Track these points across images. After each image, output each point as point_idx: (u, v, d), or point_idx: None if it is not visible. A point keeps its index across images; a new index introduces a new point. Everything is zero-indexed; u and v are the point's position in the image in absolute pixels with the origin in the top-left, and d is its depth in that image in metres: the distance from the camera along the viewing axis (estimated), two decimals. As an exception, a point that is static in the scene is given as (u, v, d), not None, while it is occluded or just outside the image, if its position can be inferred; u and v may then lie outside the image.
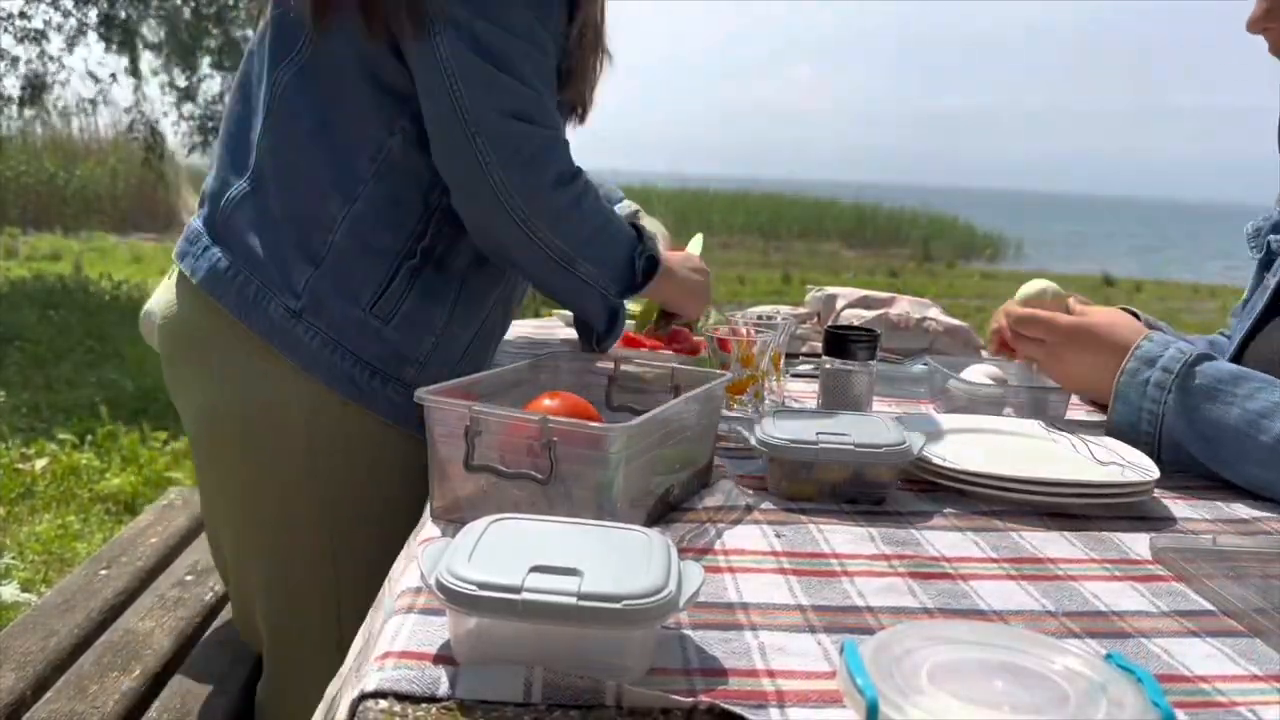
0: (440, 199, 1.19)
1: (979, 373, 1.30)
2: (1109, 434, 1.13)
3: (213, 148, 1.28)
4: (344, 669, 0.74)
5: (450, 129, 1.12)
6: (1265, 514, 0.98)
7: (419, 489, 1.21)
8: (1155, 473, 0.99)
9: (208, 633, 1.57)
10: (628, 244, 1.27)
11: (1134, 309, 1.33)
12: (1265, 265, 1.28)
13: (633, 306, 1.85)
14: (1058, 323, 1.19)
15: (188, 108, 9.03)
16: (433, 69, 1.11)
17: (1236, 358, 1.24)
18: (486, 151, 1.12)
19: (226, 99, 1.31)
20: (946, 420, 1.18)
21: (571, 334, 1.77)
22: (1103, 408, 1.22)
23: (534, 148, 1.14)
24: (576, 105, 1.33)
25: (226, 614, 1.62)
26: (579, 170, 1.20)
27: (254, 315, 1.17)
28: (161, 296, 1.35)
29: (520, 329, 1.82)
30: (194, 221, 1.26)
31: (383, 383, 1.20)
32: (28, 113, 8.97)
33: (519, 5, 1.14)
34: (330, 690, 0.72)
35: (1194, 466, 1.07)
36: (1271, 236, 1.28)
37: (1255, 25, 1.17)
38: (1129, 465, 1.01)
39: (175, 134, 9.31)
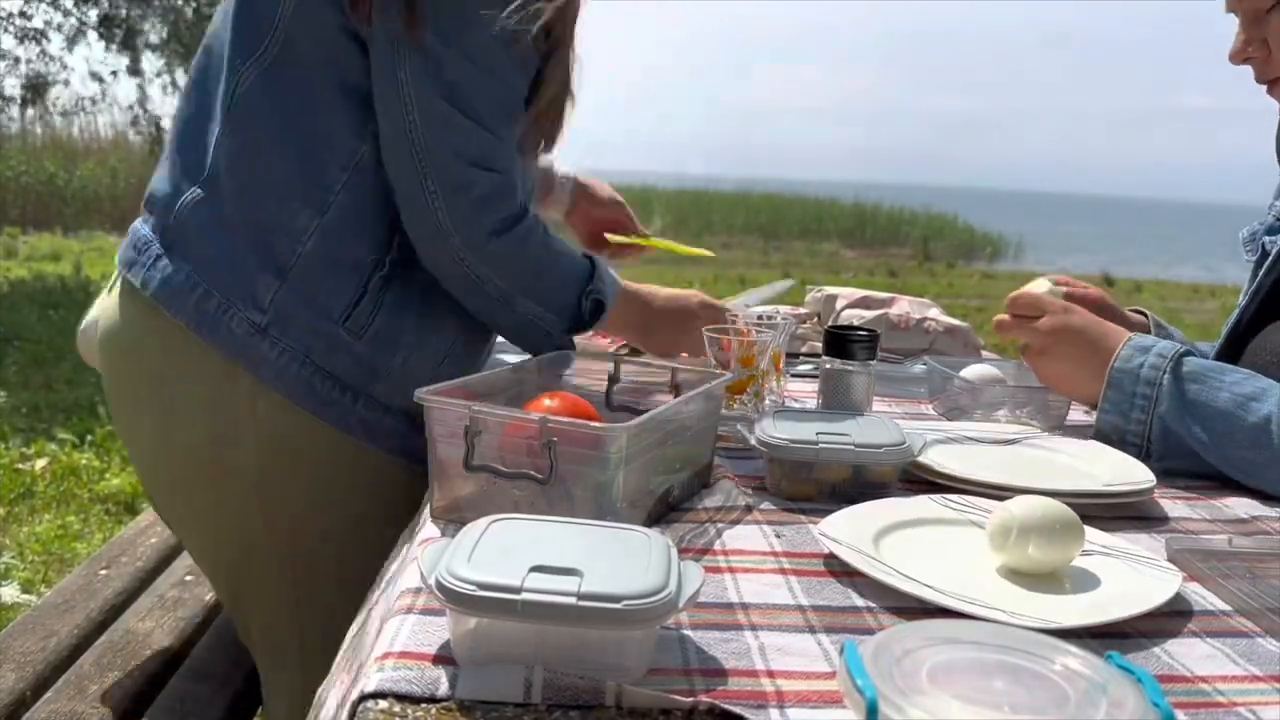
0: None
1: (978, 373, 1.30)
2: (1098, 424, 1.14)
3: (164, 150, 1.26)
4: (333, 671, 0.74)
5: (402, 157, 1.10)
6: (1265, 513, 0.99)
7: (386, 505, 1.17)
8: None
9: (208, 633, 1.57)
10: (575, 285, 1.20)
11: (1144, 310, 1.34)
12: (1260, 267, 1.29)
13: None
14: (1049, 304, 1.19)
15: None
16: (391, 88, 1.09)
17: (1234, 359, 1.24)
18: (434, 189, 1.10)
19: (177, 101, 1.24)
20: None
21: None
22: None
23: (481, 193, 1.11)
24: (541, 138, 1.26)
25: (227, 613, 1.62)
26: (525, 212, 1.16)
27: (215, 331, 1.11)
28: (102, 309, 1.27)
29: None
30: (140, 227, 1.19)
31: (353, 398, 1.15)
32: (29, 113, 8.97)
33: (488, 37, 1.09)
34: (320, 692, 0.72)
35: (1182, 457, 1.08)
36: (1267, 238, 1.28)
37: (1238, 56, 1.19)
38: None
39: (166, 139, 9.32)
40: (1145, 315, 1.35)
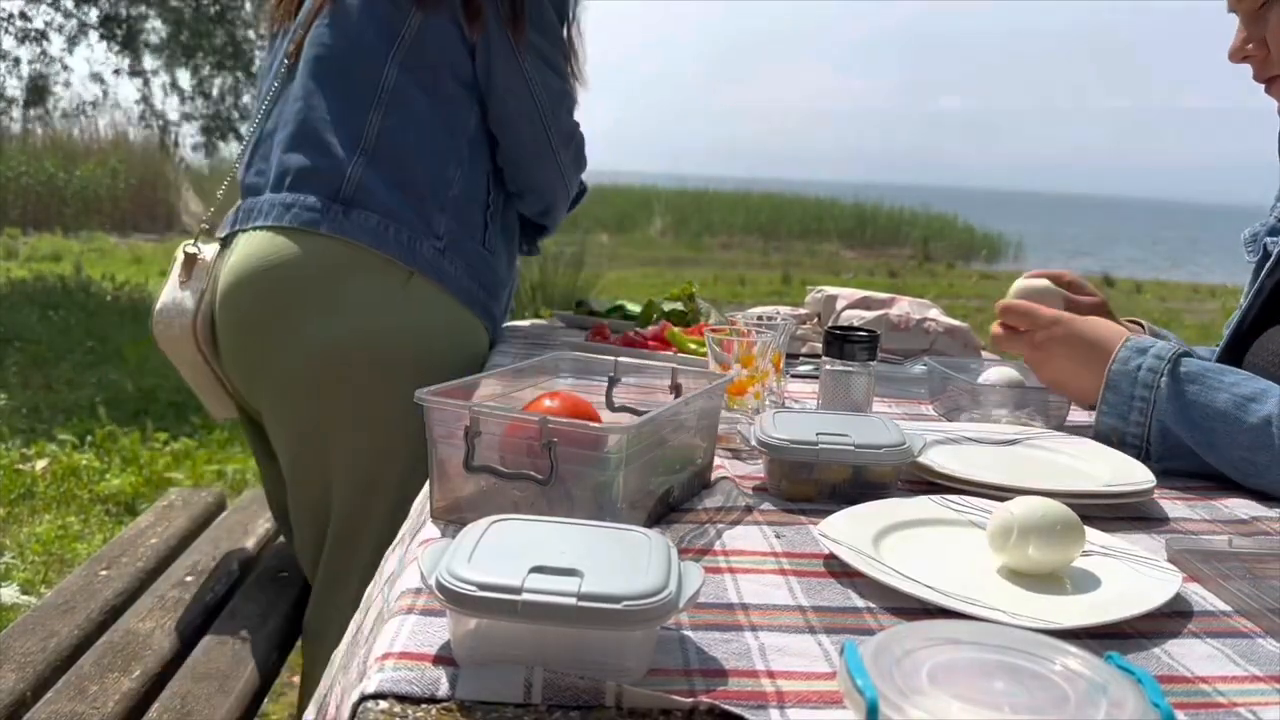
0: (491, 163, 1.59)
1: (998, 375, 1.29)
2: (1098, 426, 1.14)
3: (277, 137, 1.54)
4: (331, 669, 0.74)
5: (532, 122, 1.57)
6: (1265, 513, 0.99)
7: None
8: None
9: (208, 633, 1.57)
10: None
11: (1140, 321, 1.34)
12: (1261, 268, 1.29)
13: (633, 306, 1.85)
14: (1042, 315, 1.20)
15: (194, 105, 9.03)
16: (518, 76, 1.53)
17: (1236, 361, 1.24)
18: (556, 140, 1.60)
19: (296, 99, 1.53)
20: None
21: (571, 334, 1.77)
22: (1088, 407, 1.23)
23: (579, 134, 1.66)
24: None
25: (228, 614, 1.62)
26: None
27: (414, 257, 1.46)
28: (181, 287, 1.53)
29: (520, 328, 1.82)
30: (302, 198, 1.46)
31: (494, 301, 1.59)
32: (31, 113, 8.98)
33: (557, 24, 1.56)
34: (320, 690, 0.72)
35: (1181, 458, 1.09)
36: (1269, 239, 1.28)
37: (1236, 55, 1.19)
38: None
39: (176, 133, 9.32)
40: (1142, 326, 1.35)
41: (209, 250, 1.55)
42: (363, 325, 1.45)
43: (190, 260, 1.53)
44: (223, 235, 1.56)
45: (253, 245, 1.48)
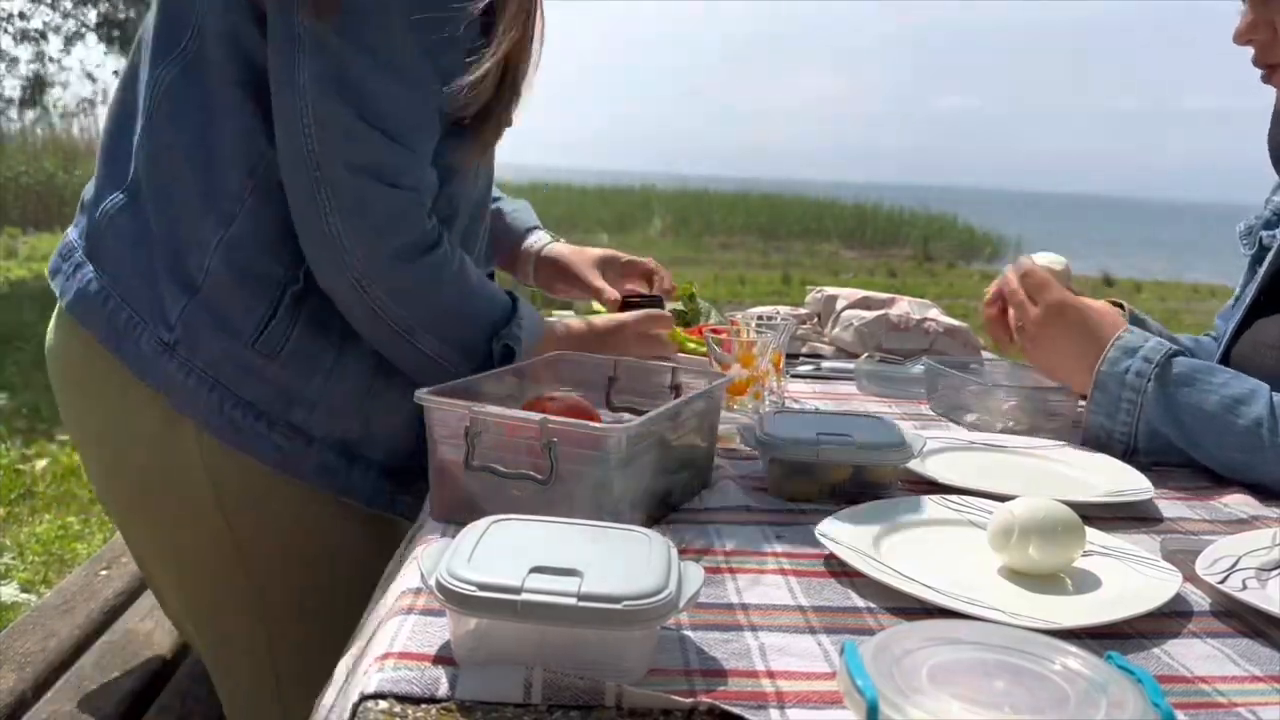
0: None
1: (1045, 258, 1.27)
2: (1086, 423, 1.15)
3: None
4: (335, 679, 0.73)
5: (297, 166, 0.99)
6: (1264, 513, 0.99)
7: (324, 547, 1.12)
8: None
9: (208, 633, 1.57)
10: (486, 327, 1.08)
11: (1121, 301, 1.34)
12: (1257, 261, 1.30)
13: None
14: (1051, 293, 1.18)
15: None
16: (290, 91, 0.98)
17: (1226, 352, 1.25)
18: (328, 201, 0.99)
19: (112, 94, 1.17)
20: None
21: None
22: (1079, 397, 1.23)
23: (384, 212, 1.01)
24: (481, 134, 1.11)
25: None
26: (438, 240, 1.05)
27: (124, 346, 1.05)
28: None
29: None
30: (70, 232, 1.13)
31: (268, 426, 1.06)
32: (29, 114, 8.99)
33: (402, 34, 0.99)
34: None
35: (1169, 454, 1.09)
36: (1263, 232, 1.29)
37: (1241, 37, 1.19)
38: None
39: None
40: (1122, 307, 1.34)
41: None
42: (106, 442, 1.12)
43: None
44: None
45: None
